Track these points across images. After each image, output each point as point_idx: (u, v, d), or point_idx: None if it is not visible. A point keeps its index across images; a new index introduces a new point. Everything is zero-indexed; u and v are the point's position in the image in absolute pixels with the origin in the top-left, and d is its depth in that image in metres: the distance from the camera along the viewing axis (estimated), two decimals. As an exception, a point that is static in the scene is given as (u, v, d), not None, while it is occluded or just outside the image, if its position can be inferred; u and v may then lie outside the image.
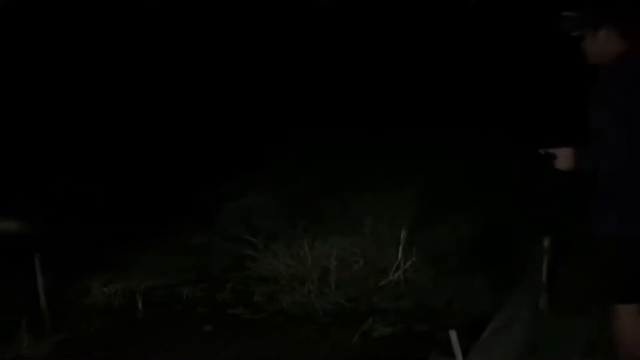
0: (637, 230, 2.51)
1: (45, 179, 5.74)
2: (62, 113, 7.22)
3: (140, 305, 4.20)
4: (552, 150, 2.66)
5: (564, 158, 2.64)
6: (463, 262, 4.33)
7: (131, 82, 8.13)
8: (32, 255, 3.87)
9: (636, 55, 2.48)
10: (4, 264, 4.43)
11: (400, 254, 4.34)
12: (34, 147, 6.17)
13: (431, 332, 3.69)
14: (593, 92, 2.49)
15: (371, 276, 4.33)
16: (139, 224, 5.08)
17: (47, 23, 8.57)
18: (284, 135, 7.42)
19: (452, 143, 6.65)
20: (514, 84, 7.92)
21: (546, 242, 3.48)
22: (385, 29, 9.90)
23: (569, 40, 2.63)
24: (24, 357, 3.69)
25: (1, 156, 5.86)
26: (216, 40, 9.46)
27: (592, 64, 2.59)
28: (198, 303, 4.29)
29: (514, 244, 4.39)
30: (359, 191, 5.50)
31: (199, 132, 7.23)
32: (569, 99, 2.69)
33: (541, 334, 3.30)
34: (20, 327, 3.75)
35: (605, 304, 2.73)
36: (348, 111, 8.08)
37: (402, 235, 4.38)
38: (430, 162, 6.15)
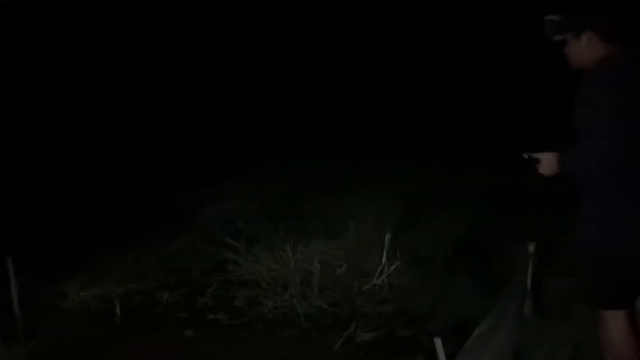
0: (617, 238, 2.49)
1: (19, 180, 5.61)
2: (43, 113, 7.12)
3: (118, 310, 4.11)
4: (535, 155, 2.65)
5: (547, 163, 2.63)
6: (448, 267, 4.30)
7: (110, 84, 8.05)
8: (4, 258, 3.76)
9: (618, 59, 2.47)
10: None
11: (384, 257, 4.30)
12: (7, 148, 6.05)
13: (415, 337, 3.67)
14: (575, 97, 2.48)
15: (355, 280, 4.28)
16: (117, 227, 4.98)
17: (46, 23, 8.49)
18: (266, 137, 7.38)
19: (437, 145, 6.65)
20: (512, 84, 7.95)
21: (531, 247, 3.47)
22: (385, 29, 9.94)
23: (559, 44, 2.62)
24: (-4, 365, 3.59)
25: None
26: (215, 40, 9.43)
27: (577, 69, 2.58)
28: (178, 308, 4.21)
29: (499, 248, 4.38)
30: (342, 194, 5.47)
31: (179, 135, 7.17)
32: (562, 102, 2.66)
33: (527, 339, 3.28)
34: (-8, 333, 3.64)
35: (592, 308, 2.72)
36: (335, 113, 8.07)
37: (386, 239, 4.33)
38: (415, 164, 6.14)
